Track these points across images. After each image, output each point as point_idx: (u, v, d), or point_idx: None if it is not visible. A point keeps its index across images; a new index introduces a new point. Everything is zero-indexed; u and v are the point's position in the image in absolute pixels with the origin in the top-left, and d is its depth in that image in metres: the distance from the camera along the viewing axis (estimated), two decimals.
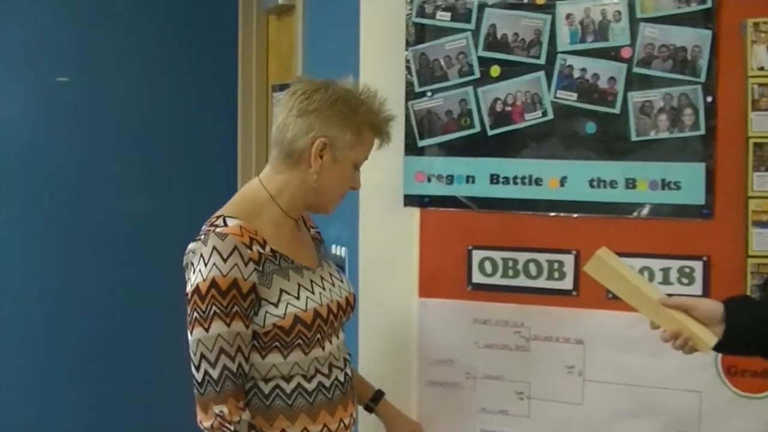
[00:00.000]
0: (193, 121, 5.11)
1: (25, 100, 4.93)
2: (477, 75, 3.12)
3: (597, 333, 3.02)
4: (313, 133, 2.63)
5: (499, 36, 3.08)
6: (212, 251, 2.53)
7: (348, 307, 2.82)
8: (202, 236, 2.59)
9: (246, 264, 2.54)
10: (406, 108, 3.19)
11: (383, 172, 3.17)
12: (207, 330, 2.52)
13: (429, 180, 3.19)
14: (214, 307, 2.51)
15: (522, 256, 3.11)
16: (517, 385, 3.13)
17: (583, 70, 2.99)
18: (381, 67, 3.23)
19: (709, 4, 2.85)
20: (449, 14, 3.13)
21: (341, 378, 2.74)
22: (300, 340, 2.61)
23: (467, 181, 3.15)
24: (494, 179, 3.12)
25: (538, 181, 3.07)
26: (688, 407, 2.93)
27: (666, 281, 2.94)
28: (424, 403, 3.24)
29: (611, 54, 2.96)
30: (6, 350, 4.97)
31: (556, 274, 3.07)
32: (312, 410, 2.65)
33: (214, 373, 2.53)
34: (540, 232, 3.09)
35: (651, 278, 2.94)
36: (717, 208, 2.88)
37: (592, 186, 3.01)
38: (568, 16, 3.00)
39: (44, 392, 4.99)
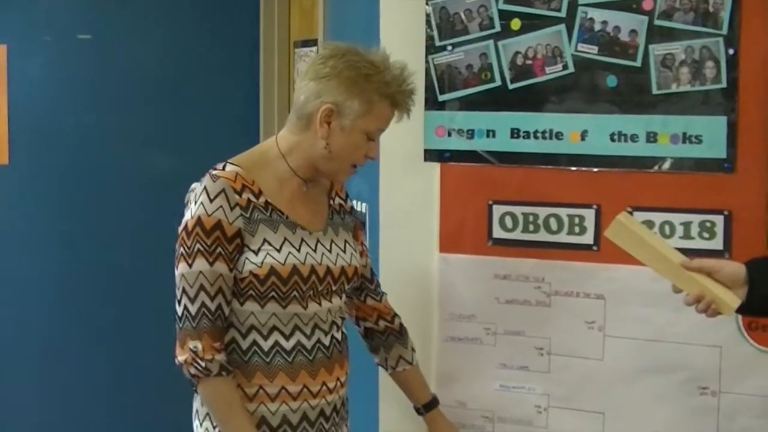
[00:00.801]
0: (215, 78, 5.11)
1: (47, 57, 4.93)
2: (497, 28, 3.09)
3: (617, 288, 3.02)
4: (322, 98, 2.65)
5: None
6: (203, 191, 2.61)
7: (342, 276, 2.79)
8: (203, 178, 2.66)
9: (232, 208, 2.60)
10: (427, 62, 3.17)
11: (403, 127, 3.15)
12: (190, 266, 2.60)
13: (449, 135, 3.18)
14: (198, 245, 2.59)
15: (543, 211, 3.11)
16: (537, 340, 3.13)
17: (604, 22, 2.97)
18: (401, 21, 3.22)
19: None
20: None
21: (325, 341, 2.74)
22: (274, 293, 2.64)
23: (488, 136, 3.13)
24: (515, 133, 3.10)
25: (558, 135, 3.06)
26: (709, 362, 2.92)
27: (687, 236, 2.92)
28: (444, 358, 3.25)
29: (632, 6, 2.93)
30: (24, 302, 5.00)
31: (577, 229, 3.06)
32: (291, 370, 2.67)
33: (192, 309, 2.60)
34: (561, 186, 3.08)
35: (672, 233, 2.94)
36: (739, 161, 2.86)
37: (613, 140, 2.99)
38: None
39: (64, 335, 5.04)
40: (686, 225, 2.92)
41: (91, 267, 5.00)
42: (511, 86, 3.10)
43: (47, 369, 5.03)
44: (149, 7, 5.03)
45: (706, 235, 2.91)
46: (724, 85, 2.85)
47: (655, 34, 2.91)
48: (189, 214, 2.63)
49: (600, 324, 3.05)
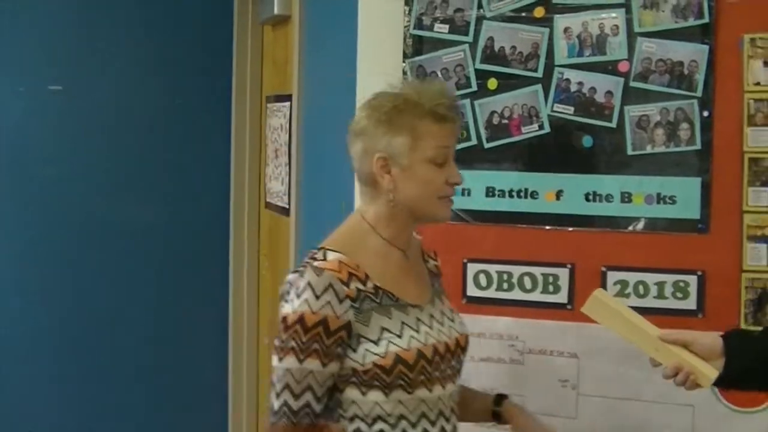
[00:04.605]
0: (186, 132, 5.10)
1: (18, 109, 4.91)
2: (474, 88, 3.12)
3: (591, 347, 3.02)
4: (370, 153, 2.51)
5: (496, 49, 3.08)
6: (307, 286, 2.43)
7: (458, 349, 2.63)
8: (301, 268, 2.48)
9: (341, 302, 2.43)
10: None
11: None
12: (280, 360, 2.45)
13: None
14: (292, 341, 2.42)
15: (517, 270, 3.11)
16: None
17: (581, 83, 3.00)
18: (378, 79, 3.18)
19: (707, 20, 2.86)
20: (447, 26, 3.14)
21: (448, 428, 2.59)
22: (401, 381, 2.46)
23: (463, 194, 3.13)
24: (490, 192, 3.12)
25: (534, 195, 3.08)
26: (682, 422, 2.93)
27: (661, 295, 2.94)
28: None
29: (608, 68, 2.97)
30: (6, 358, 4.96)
31: (551, 288, 3.07)
32: None
33: (276, 404, 2.45)
34: (535, 245, 3.09)
35: (646, 292, 2.95)
36: (712, 222, 2.89)
37: (588, 199, 3.02)
38: (566, 30, 3.01)
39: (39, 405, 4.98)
40: (660, 285, 2.94)
41: (66, 318, 4.96)
42: (486, 145, 3.12)
43: None
44: (121, 59, 5.02)
45: (679, 294, 2.92)
46: (698, 146, 2.89)
47: (631, 96, 2.95)
48: (290, 308, 2.43)
49: (573, 382, 3.05)
